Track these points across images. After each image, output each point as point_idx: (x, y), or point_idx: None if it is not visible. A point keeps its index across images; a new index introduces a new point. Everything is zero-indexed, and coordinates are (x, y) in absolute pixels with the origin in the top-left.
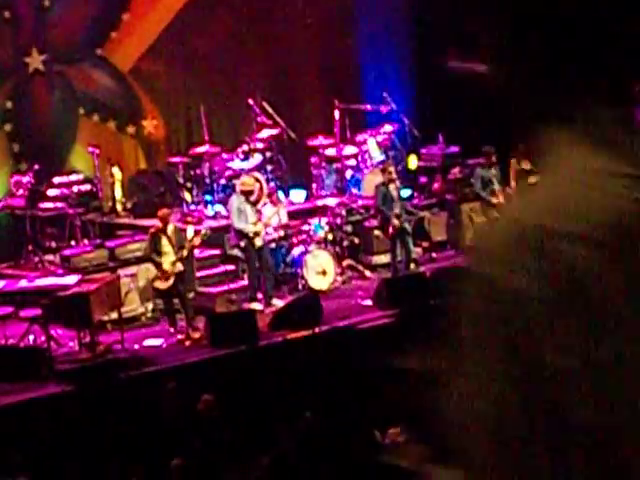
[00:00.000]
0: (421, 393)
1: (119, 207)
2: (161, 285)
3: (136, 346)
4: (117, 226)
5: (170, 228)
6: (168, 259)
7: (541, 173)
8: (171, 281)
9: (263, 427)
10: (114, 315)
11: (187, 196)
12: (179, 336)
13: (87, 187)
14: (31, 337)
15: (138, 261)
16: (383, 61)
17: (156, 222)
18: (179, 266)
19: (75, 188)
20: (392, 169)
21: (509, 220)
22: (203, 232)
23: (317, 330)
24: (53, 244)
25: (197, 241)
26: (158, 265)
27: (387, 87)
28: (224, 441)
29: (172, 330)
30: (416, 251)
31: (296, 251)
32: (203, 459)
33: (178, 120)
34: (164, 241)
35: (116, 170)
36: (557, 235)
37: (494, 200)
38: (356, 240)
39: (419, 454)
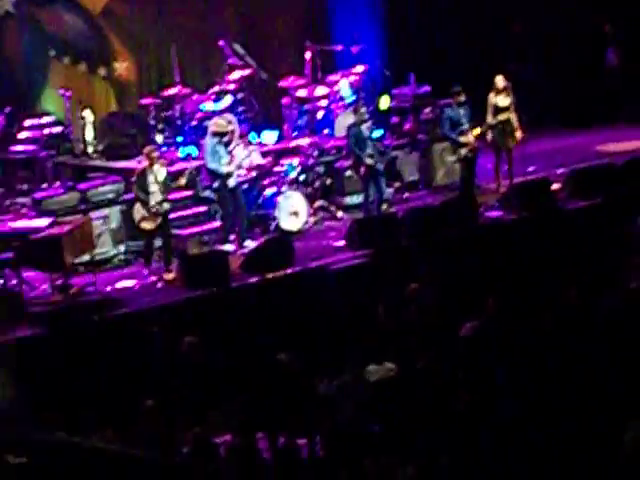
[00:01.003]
0: None
1: (91, 149)
2: (148, 225)
3: (109, 288)
4: (89, 168)
5: (156, 167)
6: (155, 198)
7: None
8: (159, 221)
9: (239, 368)
10: (86, 258)
11: (158, 138)
12: (152, 277)
13: (58, 129)
14: (1, 280)
15: (110, 203)
16: (354, 1)
17: (127, 164)
18: (166, 205)
19: (46, 130)
20: (364, 109)
21: None
22: (188, 171)
23: (289, 271)
24: (25, 187)
25: (183, 180)
26: (145, 204)
27: (358, 28)
28: (206, 382)
29: (147, 271)
30: (388, 191)
31: (268, 192)
32: (186, 400)
33: (149, 62)
34: (150, 179)
35: (87, 112)
36: None
37: (463, 139)
38: (328, 181)
39: None
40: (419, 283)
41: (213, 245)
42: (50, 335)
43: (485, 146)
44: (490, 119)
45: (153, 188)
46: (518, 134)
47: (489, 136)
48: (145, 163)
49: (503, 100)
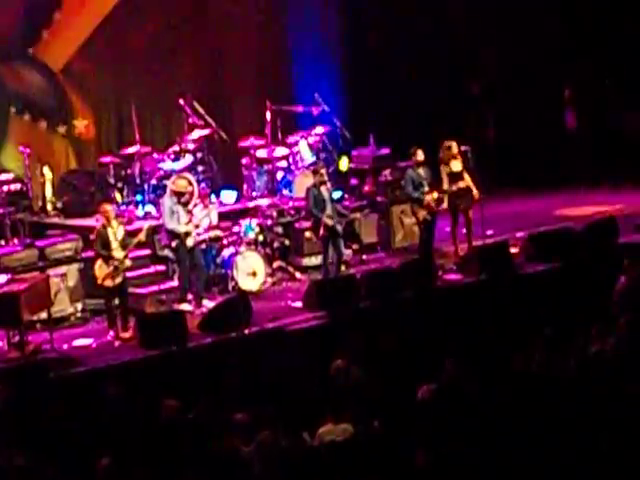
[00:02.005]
0: None
1: (49, 207)
2: (111, 283)
3: (65, 346)
4: (47, 226)
5: (114, 224)
6: (116, 254)
7: None
8: (120, 278)
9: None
10: (43, 315)
11: (118, 196)
12: (109, 336)
13: (17, 186)
14: None
15: (68, 261)
16: (315, 63)
17: (86, 222)
18: (127, 262)
19: (5, 187)
20: (323, 171)
21: None
22: (147, 227)
23: (247, 331)
24: None
25: (143, 236)
26: (109, 259)
27: (319, 89)
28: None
29: (112, 331)
30: (347, 253)
31: (226, 252)
32: (143, 458)
33: (109, 120)
34: (110, 237)
35: (47, 170)
36: None
37: (427, 198)
38: (287, 241)
39: None
40: (377, 343)
41: (171, 304)
42: (6, 392)
43: (446, 210)
44: (446, 186)
45: (114, 244)
46: (475, 193)
47: (445, 203)
48: (102, 221)
49: (457, 165)
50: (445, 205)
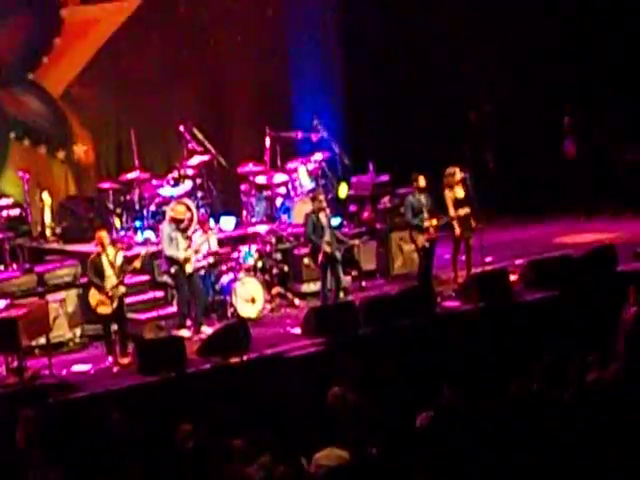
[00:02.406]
0: None
1: (48, 232)
2: (105, 310)
3: (64, 372)
4: (46, 251)
5: (111, 251)
6: (110, 282)
7: None
8: (114, 305)
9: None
10: (42, 340)
11: (117, 222)
12: (107, 362)
13: (16, 212)
14: None
15: (67, 287)
16: (314, 89)
17: (85, 247)
18: (121, 289)
19: (4, 213)
20: (322, 197)
21: None
22: (143, 253)
23: (245, 358)
24: None
25: (138, 264)
26: (101, 288)
27: (318, 115)
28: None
29: (110, 359)
30: (346, 280)
31: (225, 279)
32: None
33: (108, 145)
34: (105, 264)
35: (46, 195)
36: None
37: (425, 224)
38: (285, 268)
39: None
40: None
41: (170, 330)
42: (4, 418)
43: (445, 236)
44: (452, 212)
45: (108, 272)
46: (472, 223)
47: (457, 229)
48: (98, 248)
49: (460, 192)
50: (458, 232)
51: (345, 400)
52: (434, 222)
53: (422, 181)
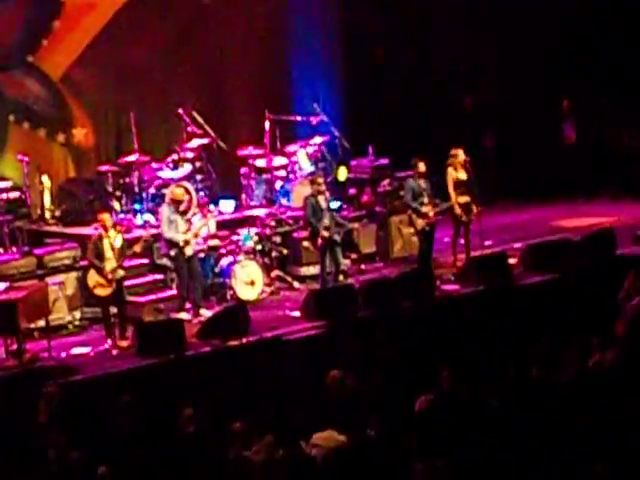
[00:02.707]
0: None
1: (48, 215)
2: (102, 292)
3: (63, 354)
4: (46, 234)
5: (112, 234)
6: (110, 265)
7: None
8: (113, 287)
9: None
10: (41, 323)
11: (116, 205)
12: (107, 345)
13: (16, 194)
14: None
15: (66, 269)
16: (313, 73)
17: (84, 230)
18: (120, 272)
19: (4, 195)
20: (321, 180)
21: None
22: (144, 238)
23: (245, 340)
24: None
25: (138, 248)
26: (100, 270)
27: (317, 99)
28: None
29: (110, 339)
30: (345, 263)
31: (225, 261)
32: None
33: (108, 129)
34: (106, 246)
35: (45, 178)
36: None
37: (424, 209)
38: (285, 251)
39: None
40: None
41: (169, 313)
42: (4, 400)
43: (445, 220)
44: (454, 196)
45: (108, 254)
46: (474, 209)
47: (458, 210)
48: (100, 230)
49: (463, 175)
50: (458, 212)
51: (343, 383)
52: (432, 211)
53: (422, 166)
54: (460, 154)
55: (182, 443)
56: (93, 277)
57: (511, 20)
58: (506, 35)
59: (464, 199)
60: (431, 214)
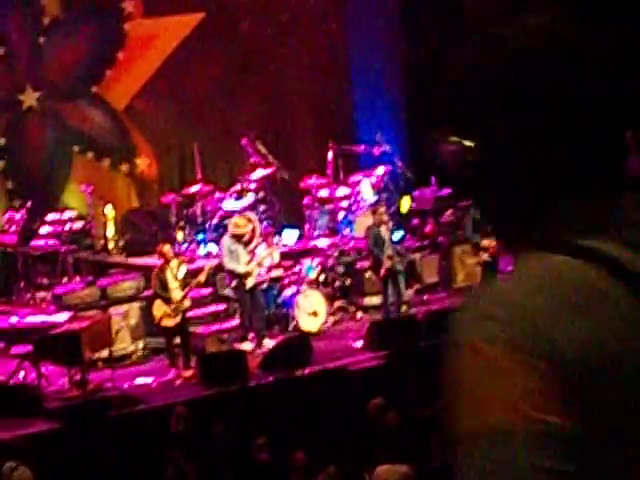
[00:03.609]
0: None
1: (111, 245)
2: (169, 322)
3: (126, 384)
4: (109, 264)
5: (173, 263)
6: (175, 295)
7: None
8: (179, 318)
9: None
10: (105, 353)
11: (179, 235)
12: (170, 375)
13: (79, 225)
14: (22, 374)
15: (129, 300)
16: (376, 103)
17: (148, 260)
18: (186, 303)
19: (67, 226)
20: (383, 210)
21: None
22: (207, 267)
23: (308, 371)
24: (45, 281)
25: (203, 278)
26: (167, 301)
27: (380, 129)
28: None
29: (173, 372)
30: (408, 293)
31: (288, 292)
32: None
33: (171, 159)
34: (169, 277)
35: (109, 208)
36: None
37: (485, 242)
38: (348, 281)
39: None
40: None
41: (232, 343)
42: (67, 431)
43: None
44: None
45: (172, 285)
46: None
47: None
48: (161, 261)
49: None
50: None
51: (385, 413)
52: (492, 243)
53: None
54: None
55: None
56: (160, 308)
57: None
58: None
59: None
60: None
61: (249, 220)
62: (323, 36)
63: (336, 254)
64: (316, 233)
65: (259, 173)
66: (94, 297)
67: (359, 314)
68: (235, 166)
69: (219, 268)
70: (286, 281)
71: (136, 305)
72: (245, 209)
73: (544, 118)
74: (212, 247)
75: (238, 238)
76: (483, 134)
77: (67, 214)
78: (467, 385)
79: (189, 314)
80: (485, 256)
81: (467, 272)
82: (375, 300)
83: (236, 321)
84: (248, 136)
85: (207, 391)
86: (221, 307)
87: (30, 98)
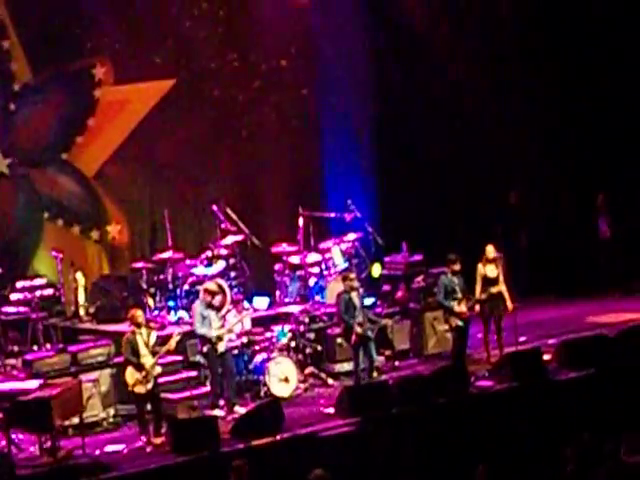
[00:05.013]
0: None
1: (82, 312)
2: (142, 389)
3: (97, 451)
4: (80, 331)
5: (144, 331)
6: (147, 361)
7: None
8: (150, 384)
9: None
10: (76, 420)
11: (150, 301)
12: (140, 442)
13: (50, 291)
14: None
15: (100, 366)
16: (347, 170)
17: (118, 327)
18: (158, 369)
19: (38, 292)
20: (353, 276)
21: None
22: (176, 334)
23: (279, 437)
24: (15, 348)
25: (173, 344)
26: (139, 367)
27: (351, 195)
28: None
29: (144, 439)
30: (379, 359)
31: (259, 358)
32: None
33: (142, 225)
34: (140, 343)
35: (79, 275)
36: None
37: (456, 308)
38: (319, 347)
39: None
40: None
41: (203, 410)
42: None
43: (475, 316)
44: (479, 292)
45: (143, 351)
46: (509, 305)
47: (477, 308)
48: (132, 327)
49: (492, 271)
50: (477, 310)
51: None
52: (463, 307)
53: (457, 265)
54: (490, 250)
55: None
56: (132, 375)
57: (541, 117)
58: (540, 132)
59: (495, 290)
60: (464, 309)
61: (219, 286)
62: (294, 102)
63: (307, 320)
64: (287, 299)
65: (230, 239)
66: (64, 364)
67: (330, 380)
68: (206, 232)
69: (190, 335)
70: (257, 347)
71: (107, 372)
72: (216, 275)
73: None
74: (183, 313)
75: (209, 302)
76: None
77: (37, 281)
78: None
79: (160, 380)
80: (456, 321)
81: (438, 338)
82: (346, 366)
83: (207, 388)
84: (218, 202)
85: (178, 458)
86: (192, 374)
87: (0, 164)
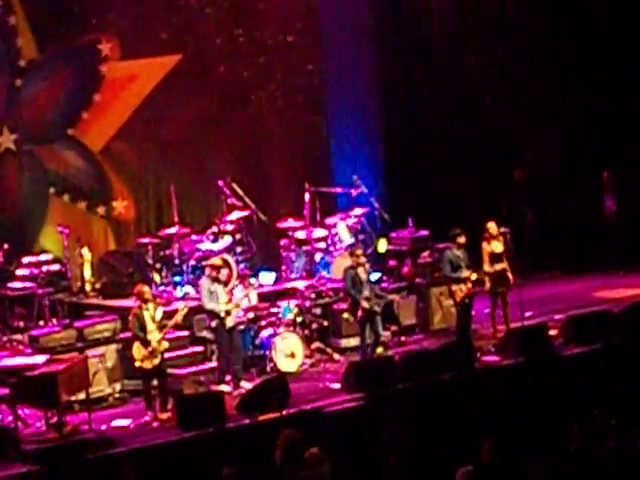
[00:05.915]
0: None
1: (88, 287)
2: (148, 364)
3: (103, 427)
4: (86, 306)
5: (151, 306)
6: (153, 336)
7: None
8: (157, 360)
9: None
10: (82, 395)
11: (156, 277)
12: (147, 417)
13: (56, 267)
14: None
15: (106, 342)
16: (354, 145)
17: (124, 302)
18: (165, 344)
19: (44, 268)
20: (360, 252)
21: None
22: (182, 308)
23: (285, 413)
24: (21, 324)
25: (179, 318)
26: (146, 343)
27: (357, 171)
28: None
29: (150, 414)
30: (385, 334)
31: (265, 333)
32: None
33: (148, 201)
34: (147, 319)
35: (85, 250)
36: None
37: (465, 274)
38: (325, 323)
39: None
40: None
41: (209, 385)
42: (44, 473)
43: (482, 292)
44: (488, 267)
45: (150, 327)
46: (510, 278)
47: (487, 284)
48: (138, 302)
49: (498, 247)
50: (487, 286)
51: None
52: (474, 276)
53: (462, 238)
54: (492, 227)
55: None
56: (139, 350)
57: (553, 94)
58: (545, 110)
59: (500, 267)
60: (470, 283)
61: (224, 261)
62: (300, 78)
63: (313, 296)
64: (293, 275)
65: (236, 215)
66: (71, 339)
67: (336, 356)
68: (212, 208)
69: (196, 310)
70: (263, 323)
71: (113, 347)
72: (222, 251)
73: None
74: (189, 289)
75: (215, 275)
76: None
77: (43, 256)
78: None
79: (166, 356)
80: (462, 296)
81: (444, 313)
82: (352, 342)
83: (213, 363)
84: (224, 178)
85: (184, 433)
86: (198, 349)
87: (7, 140)
